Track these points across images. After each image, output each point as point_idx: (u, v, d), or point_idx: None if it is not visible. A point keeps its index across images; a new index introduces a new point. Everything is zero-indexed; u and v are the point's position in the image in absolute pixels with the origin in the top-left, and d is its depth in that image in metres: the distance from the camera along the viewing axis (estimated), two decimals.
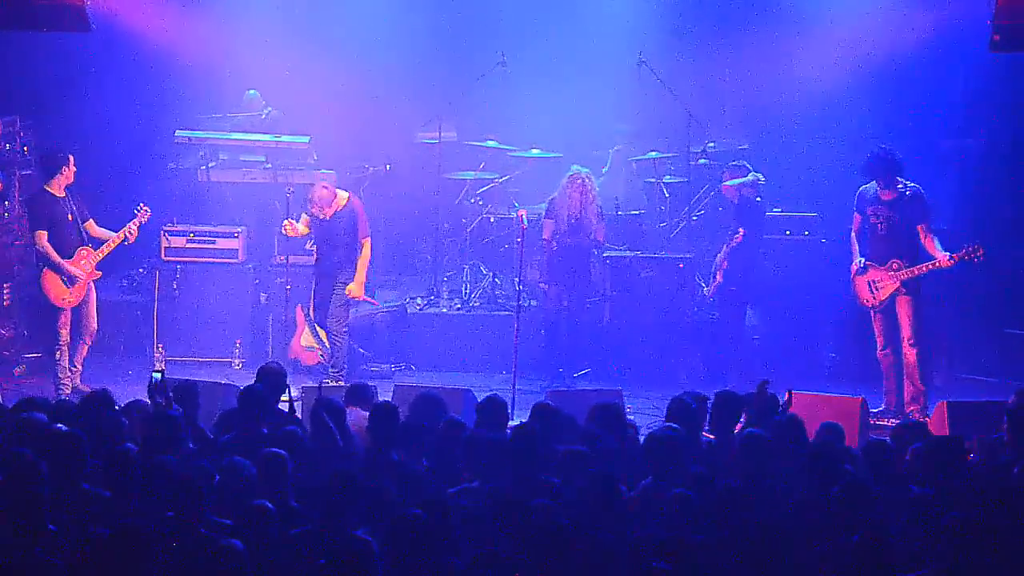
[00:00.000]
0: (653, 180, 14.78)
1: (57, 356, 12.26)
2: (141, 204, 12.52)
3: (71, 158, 12.26)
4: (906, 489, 7.68)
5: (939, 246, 11.74)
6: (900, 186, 11.87)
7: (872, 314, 12.11)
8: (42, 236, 12.17)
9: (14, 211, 13.52)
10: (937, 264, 11.71)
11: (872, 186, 11.97)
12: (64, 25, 11.39)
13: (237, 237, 13.87)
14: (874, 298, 11.98)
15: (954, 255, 11.63)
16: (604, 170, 14.96)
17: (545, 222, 13.29)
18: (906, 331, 11.87)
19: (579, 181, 13.17)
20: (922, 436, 8.48)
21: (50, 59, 14.10)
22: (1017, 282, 13.72)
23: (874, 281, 11.96)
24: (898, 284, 11.85)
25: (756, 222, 13.28)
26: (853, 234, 12.15)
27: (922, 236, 11.82)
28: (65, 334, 12.26)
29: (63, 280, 12.20)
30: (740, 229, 13.11)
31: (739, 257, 13.21)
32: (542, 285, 13.39)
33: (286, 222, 12.82)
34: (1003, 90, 13.94)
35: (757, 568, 6.68)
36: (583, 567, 6.60)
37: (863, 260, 11.98)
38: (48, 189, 12.25)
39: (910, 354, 11.87)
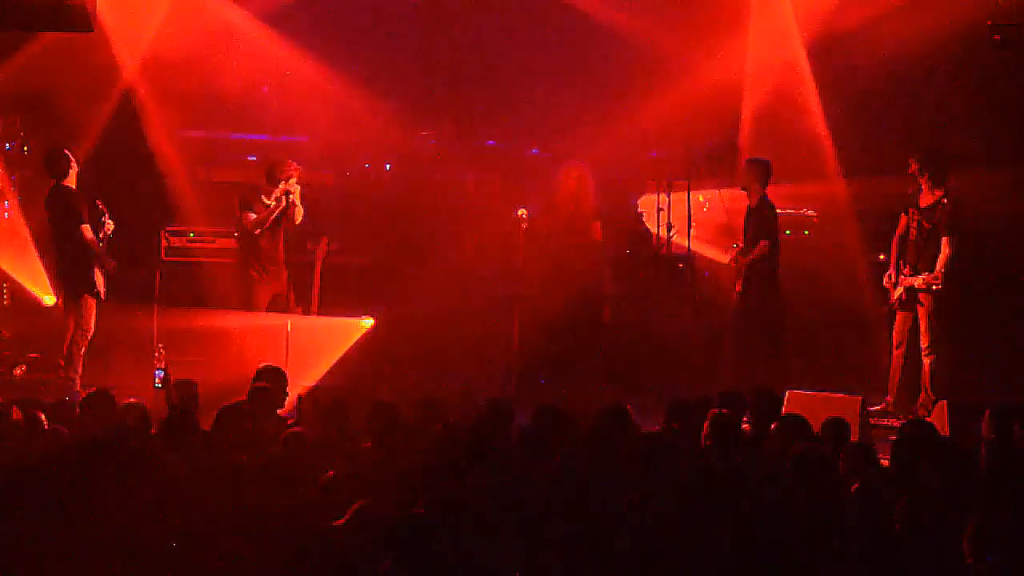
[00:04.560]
0: (653, 179, 14.77)
1: (83, 350, 12.22)
2: (104, 217, 12.41)
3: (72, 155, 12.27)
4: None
5: (940, 264, 11.66)
6: (942, 193, 11.80)
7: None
8: (87, 229, 12.13)
9: (13, 211, 13.53)
10: (912, 282, 11.73)
11: (917, 188, 11.93)
12: (66, 25, 11.41)
13: (237, 236, 13.83)
14: (890, 296, 12.01)
15: (927, 277, 11.65)
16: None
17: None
18: (923, 340, 11.86)
19: (575, 174, 13.11)
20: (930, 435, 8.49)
21: (51, 58, 14.10)
22: (1016, 281, 13.72)
23: (893, 279, 11.97)
24: (901, 289, 11.85)
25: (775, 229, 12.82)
26: (896, 236, 12.05)
27: (942, 248, 11.76)
28: (94, 326, 12.23)
29: (103, 273, 12.20)
30: (762, 242, 12.59)
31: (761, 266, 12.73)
32: (531, 285, 13.22)
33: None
34: (1003, 90, 13.93)
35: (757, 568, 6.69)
36: (584, 567, 6.61)
37: (890, 275, 11.93)
38: (68, 184, 12.19)
39: (925, 363, 11.86)
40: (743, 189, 12.86)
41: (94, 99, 14.43)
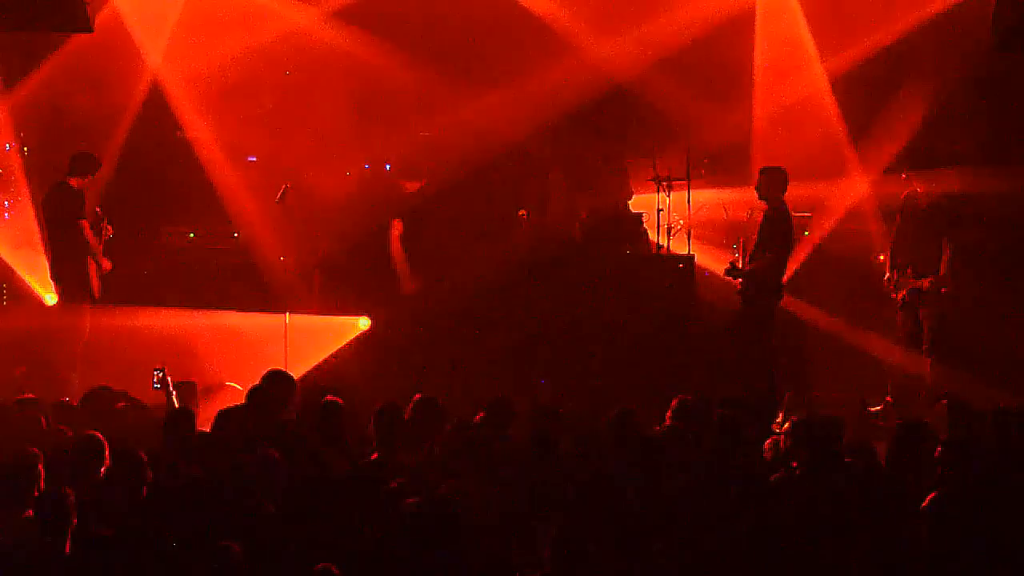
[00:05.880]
0: (654, 179, 14.77)
1: (80, 349, 12.20)
2: (103, 222, 12.38)
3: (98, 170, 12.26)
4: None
5: (943, 266, 11.70)
6: (940, 192, 11.82)
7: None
8: (86, 225, 12.12)
9: (17, 209, 13.54)
10: (919, 284, 11.76)
11: (915, 189, 11.94)
12: (66, 25, 11.41)
13: (237, 237, 13.86)
14: (894, 296, 12.05)
15: (934, 280, 11.67)
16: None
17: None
18: (925, 341, 11.90)
19: (541, 177, 13.12)
20: (928, 436, 8.49)
21: (51, 58, 14.11)
22: (1016, 281, 13.73)
23: (894, 281, 12.00)
24: (905, 291, 11.89)
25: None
26: (893, 237, 12.11)
27: (942, 248, 11.75)
28: (90, 325, 12.22)
29: (98, 272, 12.19)
30: (767, 253, 12.24)
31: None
32: (520, 290, 13.17)
33: None
34: (1003, 89, 13.94)
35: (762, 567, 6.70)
36: (587, 567, 6.61)
37: (889, 276, 11.96)
38: (70, 183, 12.17)
39: (925, 363, 11.90)
40: (761, 198, 12.53)
41: (111, 101, 14.43)
